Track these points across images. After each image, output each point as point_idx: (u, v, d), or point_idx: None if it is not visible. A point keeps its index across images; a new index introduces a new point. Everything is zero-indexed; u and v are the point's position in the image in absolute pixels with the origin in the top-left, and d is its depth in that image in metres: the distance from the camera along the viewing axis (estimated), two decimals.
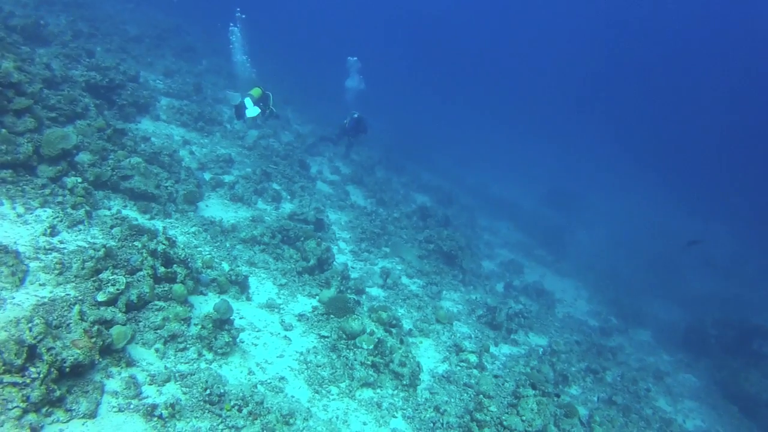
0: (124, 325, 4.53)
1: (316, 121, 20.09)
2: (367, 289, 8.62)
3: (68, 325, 4.24)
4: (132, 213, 7.25)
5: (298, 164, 13.27)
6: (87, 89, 10.34)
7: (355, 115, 13.64)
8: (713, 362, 13.38)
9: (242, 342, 5.61)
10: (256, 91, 10.52)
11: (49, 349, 3.68)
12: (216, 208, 9.13)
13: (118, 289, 4.72)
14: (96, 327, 4.08)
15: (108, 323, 4.45)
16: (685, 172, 40.74)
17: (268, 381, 5.18)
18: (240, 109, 10.22)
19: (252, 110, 10.07)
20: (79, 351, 3.85)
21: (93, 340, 4.00)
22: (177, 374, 4.58)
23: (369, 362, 5.79)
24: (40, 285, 4.76)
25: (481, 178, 26.18)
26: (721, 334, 14.34)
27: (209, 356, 5.07)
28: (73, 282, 4.91)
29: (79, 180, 7.02)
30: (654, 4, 48.54)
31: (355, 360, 5.79)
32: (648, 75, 54.06)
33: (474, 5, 59.81)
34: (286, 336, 6.12)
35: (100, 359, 4.10)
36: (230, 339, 5.23)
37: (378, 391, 5.71)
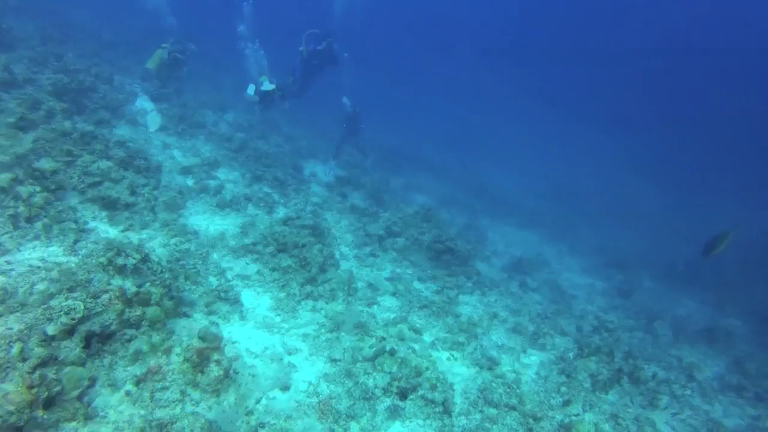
0: (83, 365, 3.51)
1: (304, 123, 19.14)
2: (378, 299, 7.61)
3: (6, 370, 3.23)
4: (102, 225, 6.22)
5: (290, 166, 12.30)
6: (53, 93, 9.39)
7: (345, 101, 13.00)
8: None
9: (237, 373, 4.56)
10: (264, 80, 10.08)
11: None
12: (201, 216, 8.11)
13: (73, 318, 3.70)
14: (38, 373, 3.06)
15: (61, 363, 3.43)
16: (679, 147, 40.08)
17: (272, 422, 4.14)
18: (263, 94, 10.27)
19: (252, 89, 10.00)
20: (12, 408, 2.83)
21: (34, 390, 2.97)
22: (154, 424, 3.55)
23: (394, 388, 4.77)
24: None
25: (476, 173, 25.31)
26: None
27: (196, 396, 4.04)
28: (18, 311, 3.88)
29: (38, 189, 6.01)
30: None
31: (376, 387, 4.76)
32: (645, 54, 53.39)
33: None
34: (289, 362, 5.10)
35: (45, 415, 3.07)
36: (221, 371, 4.21)
37: (407, 423, 4.67)
